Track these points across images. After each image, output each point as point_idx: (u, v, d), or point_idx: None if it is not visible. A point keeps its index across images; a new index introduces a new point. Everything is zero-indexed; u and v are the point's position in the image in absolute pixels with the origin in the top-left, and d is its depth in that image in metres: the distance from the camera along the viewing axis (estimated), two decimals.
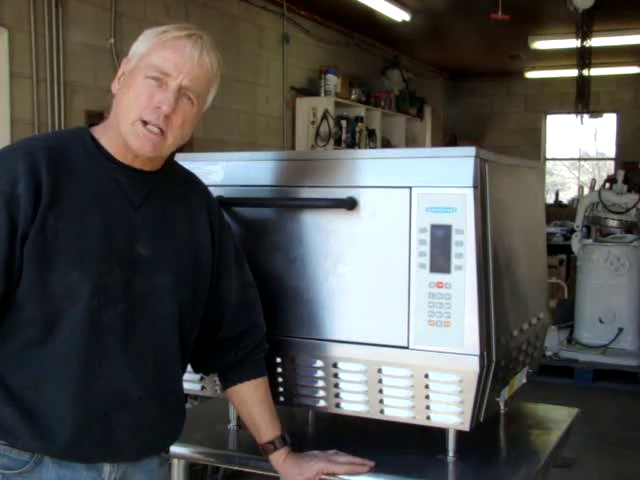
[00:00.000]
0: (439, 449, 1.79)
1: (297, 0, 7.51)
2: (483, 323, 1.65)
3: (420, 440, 1.83)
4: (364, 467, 1.72)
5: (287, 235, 1.84)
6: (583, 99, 7.56)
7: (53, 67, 5.10)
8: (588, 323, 6.21)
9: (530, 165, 2.22)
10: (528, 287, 2.03)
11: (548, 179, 12.63)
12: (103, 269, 1.47)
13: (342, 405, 1.84)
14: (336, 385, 1.82)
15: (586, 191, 7.02)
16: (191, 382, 1.94)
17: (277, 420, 1.76)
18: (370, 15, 7.52)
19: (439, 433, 1.78)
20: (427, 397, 1.73)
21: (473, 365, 1.65)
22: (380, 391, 1.78)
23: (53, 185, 1.44)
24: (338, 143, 8.00)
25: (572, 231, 6.67)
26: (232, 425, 2.02)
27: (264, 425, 1.74)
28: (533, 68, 10.77)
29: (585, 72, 7.52)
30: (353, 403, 1.82)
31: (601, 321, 6.13)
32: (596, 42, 7.42)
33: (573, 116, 8.09)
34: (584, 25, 7.17)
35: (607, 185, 7.01)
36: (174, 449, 1.77)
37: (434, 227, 1.67)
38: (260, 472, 1.86)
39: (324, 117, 7.74)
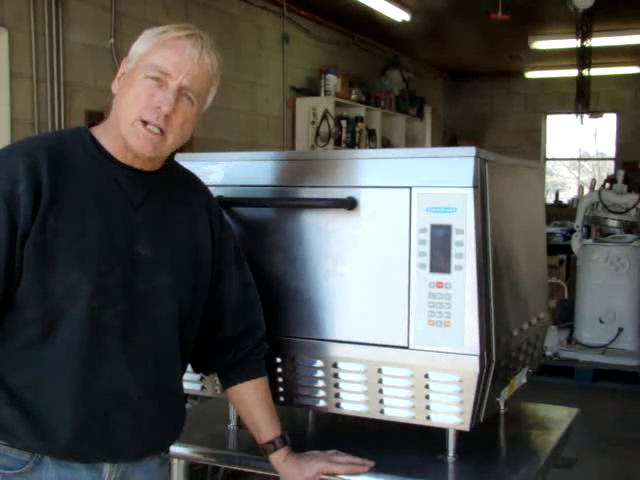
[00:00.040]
0: (439, 449, 1.79)
1: (297, 0, 7.51)
2: (483, 323, 1.65)
3: (420, 440, 1.83)
4: (364, 467, 1.72)
5: (287, 235, 1.84)
6: (583, 99, 7.56)
7: (53, 67, 5.10)
8: (588, 323, 6.21)
9: (530, 165, 2.22)
10: (528, 287, 2.03)
11: (548, 179, 12.63)
12: (103, 269, 1.47)
13: (342, 405, 1.84)
14: (336, 385, 1.82)
15: (586, 191, 7.02)
16: (191, 382, 1.94)
17: (277, 420, 1.76)
18: (370, 15, 7.52)
19: (439, 433, 1.78)
20: (427, 397, 1.73)
21: (473, 365, 1.65)
22: (380, 391, 1.78)
23: (53, 185, 1.44)
24: (338, 143, 8.00)
25: (572, 231, 6.67)
26: (232, 425, 2.02)
27: (264, 425, 1.74)
28: (533, 68, 10.77)
29: (585, 72, 7.52)
30: (353, 403, 1.82)
31: (601, 321, 6.13)
32: (596, 42, 7.42)
33: (573, 116, 8.09)
34: (584, 25, 7.17)
35: (607, 185, 7.02)
36: (174, 449, 1.77)
37: (434, 227, 1.67)
38: (260, 472, 1.86)
39: (324, 117, 7.75)
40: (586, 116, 7.97)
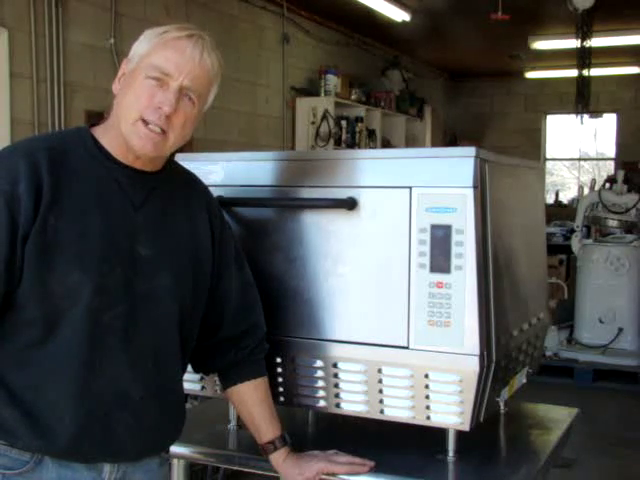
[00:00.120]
0: (439, 449, 1.79)
1: (297, 0, 7.51)
2: (483, 323, 1.66)
3: (420, 440, 1.83)
4: (364, 467, 1.72)
5: (287, 235, 1.84)
6: (583, 99, 7.56)
7: (53, 67, 5.10)
8: (588, 323, 6.21)
9: (530, 165, 2.22)
10: (528, 287, 2.03)
11: (548, 179, 12.63)
12: (104, 269, 1.47)
13: (342, 405, 1.84)
14: (336, 385, 1.83)
15: (586, 191, 7.03)
16: (191, 382, 1.94)
17: (277, 420, 1.76)
18: (370, 15, 7.52)
19: (439, 433, 1.78)
20: (427, 397, 1.73)
21: (473, 365, 1.65)
22: (380, 391, 1.78)
23: (54, 185, 1.44)
24: (338, 143, 8.00)
25: (572, 231, 6.67)
26: (232, 425, 2.02)
27: (264, 425, 1.74)
28: (533, 68, 10.77)
29: (585, 72, 7.52)
30: (353, 403, 1.82)
31: (601, 321, 6.14)
32: (596, 42, 7.42)
33: (573, 116, 8.10)
34: (584, 25, 7.17)
35: (607, 185, 7.01)
36: (174, 449, 1.77)
37: (434, 227, 1.67)
38: (260, 472, 1.86)
39: (324, 117, 7.74)
40: (586, 116, 7.98)
